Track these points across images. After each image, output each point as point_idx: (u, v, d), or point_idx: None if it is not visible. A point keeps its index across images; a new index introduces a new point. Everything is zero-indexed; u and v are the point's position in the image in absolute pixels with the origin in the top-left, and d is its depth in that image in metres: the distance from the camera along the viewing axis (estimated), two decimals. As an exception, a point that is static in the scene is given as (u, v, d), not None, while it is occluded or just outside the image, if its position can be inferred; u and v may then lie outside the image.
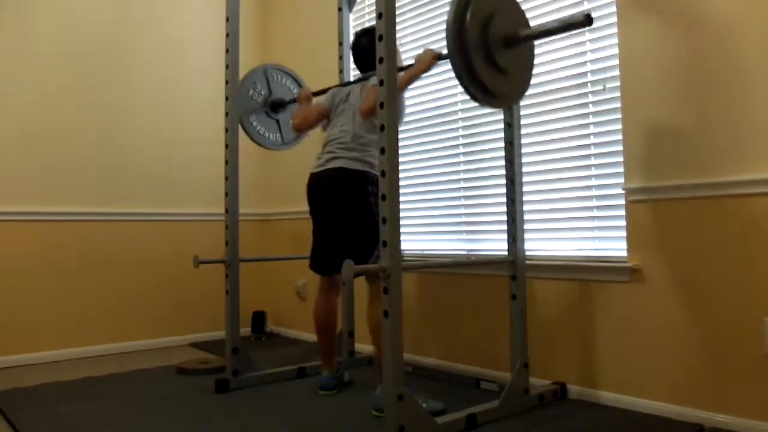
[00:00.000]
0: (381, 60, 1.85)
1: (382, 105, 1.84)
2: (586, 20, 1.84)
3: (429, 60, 2.24)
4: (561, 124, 2.52)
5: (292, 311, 3.97)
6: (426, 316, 3.00)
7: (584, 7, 2.46)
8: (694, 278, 2.08)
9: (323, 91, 2.73)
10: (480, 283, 2.75)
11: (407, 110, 3.18)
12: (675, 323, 2.12)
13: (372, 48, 2.31)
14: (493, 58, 1.92)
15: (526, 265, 2.36)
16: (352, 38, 2.62)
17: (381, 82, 1.85)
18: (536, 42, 2.59)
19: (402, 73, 2.28)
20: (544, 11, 2.60)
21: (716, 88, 2.03)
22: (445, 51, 2.14)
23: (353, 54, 2.59)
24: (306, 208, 2.56)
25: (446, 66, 3.00)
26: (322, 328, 2.56)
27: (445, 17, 1.88)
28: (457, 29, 1.85)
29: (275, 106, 3.10)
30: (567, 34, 2.50)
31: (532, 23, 2.60)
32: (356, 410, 2.27)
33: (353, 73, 3.49)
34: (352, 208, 2.36)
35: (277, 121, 3.13)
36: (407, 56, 3.19)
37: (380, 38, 1.85)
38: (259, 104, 3.06)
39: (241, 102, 2.95)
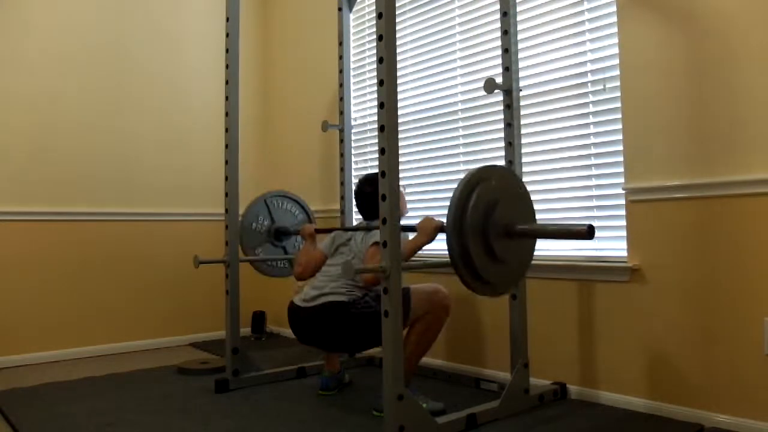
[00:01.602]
0: (381, 60, 1.85)
1: (382, 105, 1.84)
2: (588, 234, 1.79)
3: (432, 231, 2.19)
4: (561, 124, 2.52)
5: (292, 311, 3.97)
6: (426, 316, 2.99)
7: (584, 6, 2.46)
8: (694, 278, 2.08)
9: (327, 230, 2.71)
10: (480, 283, 2.75)
11: (407, 110, 3.18)
12: (675, 323, 2.12)
13: (373, 192, 2.30)
14: (490, 245, 1.87)
15: (526, 265, 2.36)
16: (356, 185, 2.58)
17: (381, 83, 1.84)
18: (536, 41, 2.60)
19: (406, 239, 2.23)
20: (543, 11, 2.59)
21: (716, 88, 2.03)
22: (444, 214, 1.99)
23: (356, 200, 2.55)
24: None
25: (446, 66, 3.01)
26: None
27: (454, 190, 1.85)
28: (458, 210, 1.82)
29: (279, 234, 3.09)
30: (567, 33, 2.51)
31: (529, 27, 2.61)
32: (356, 410, 2.27)
33: (353, 73, 3.50)
34: (339, 332, 2.29)
35: (284, 248, 3.13)
36: (407, 56, 3.19)
37: (380, 38, 1.85)
38: (263, 235, 3.07)
39: (246, 237, 2.98)
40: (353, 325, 2.24)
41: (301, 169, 3.93)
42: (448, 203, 2.95)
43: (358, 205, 2.57)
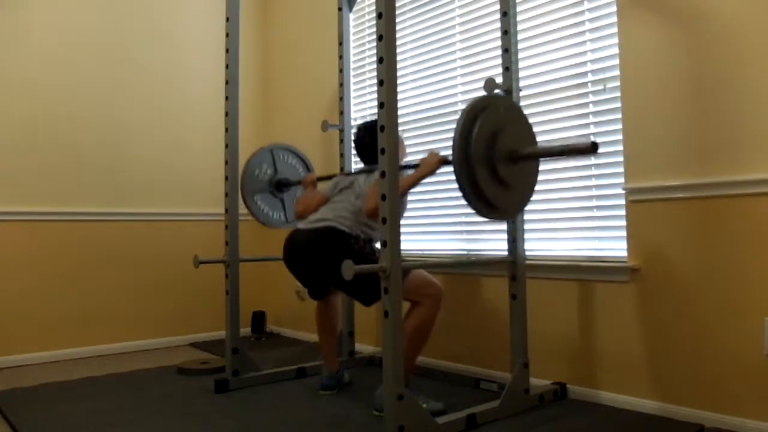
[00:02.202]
0: (381, 60, 1.85)
1: (382, 105, 1.84)
2: (591, 148, 1.83)
3: (434, 164, 2.21)
4: (561, 124, 2.52)
5: (292, 311, 3.97)
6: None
7: (584, 6, 2.46)
8: (694, 278, 2.08)
9: (329, 177, 2.72)
10: (480, 283, 2.75)
11: (407, 110, 3.18)
12: (675, 323, 2.12)
13: (373, 144, 2.31)
14: (496, 171, 1.92)
15: (526, 265, 2.36)
16: (354, 132, 2.60)
17: (381, 83, 1.84)
18: (536, 41, 2.60)
19: (406, 174, 2.27)
20: (543, 11, 2.59)
21: (716, 87, 2.03)
22: (449, 151, 2.09)
23: (356, 148, 2.57)
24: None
25: (446, 67, 3.01)
26: (323, 329, 2.58)
27: (456, 122, 1.87)
28: (464, 140, 1.86)
29: (280, 185, 3.11)
30: (567, 33, 2.51)
31: (530, 26, 2.61)
32: (356, 410, 2.27)
33: (353, 73, 3.50)
34: (334, 259, 2.19)
35: (282, 200, 3.15)
36: (407, 56, 3.19)
37: (380, 38, 1.85)
38: (265, 184, 3.08)
39: (248, 182, 2.99)
40: (349, 250, 2.25)
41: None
42: (448, 202, 2.96)
43: (358, 153, 2.58)
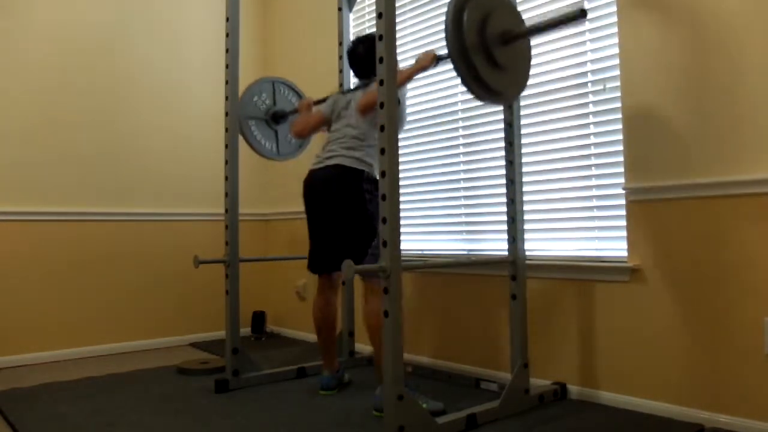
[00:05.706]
0: (381, 60, 1.85)
1: (382, 105, 1.84)
2: (580, 14, 1.88)
3: (428, 60, 2.29)
4: (561, 124, 2.52)
5: (292, 311, 3.97)
6: (426, 316, 3.00)
7: (584, 7, 2.46)
8: (694, 278, 2.08)
9: (324, 100, 2.74)
10: (480, 283, 2.75)
11: (408, 110, 3.18)
12: (675, 323, 2.12)
13: (368, 55, 2.33)
14: (492, 56, 1.96)
15: (526, 265, 2.36)
16: (349, 46, 2.63)
17: (381, 82, 1.85)
18: (537, 41, 2.60)
19: (400, 70, 2.31)
20: (543, 11, 2.59)
21: (716, 87, 2.03)
22: (443, 52, 2.15)
23: (350, 61, 2.60)
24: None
25: (446, 66, 3.00)
26: (322, 328, 2.57)
27: (444, 18, 1.90)
28: (456, 31, 1.89)
29: (276, 117, 3.14)
30: (567, 33, 2.51)
31: (530, 21, 2.62)
32: (356, 410, 2.27)
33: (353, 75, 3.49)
34: (346, 204, 2.37)
35: (276, 132, 3.18)
36: (407, 56, 3.19)
37: (380, 38, 1.85)
38: (261, 112, 3.12)
39: (245, 106, 3.01)
40: (360, 201, 2.32)
41: (301, 168, 3.91)
42: (448, 202, 2.97)
43: (351, 66, 2.61)
